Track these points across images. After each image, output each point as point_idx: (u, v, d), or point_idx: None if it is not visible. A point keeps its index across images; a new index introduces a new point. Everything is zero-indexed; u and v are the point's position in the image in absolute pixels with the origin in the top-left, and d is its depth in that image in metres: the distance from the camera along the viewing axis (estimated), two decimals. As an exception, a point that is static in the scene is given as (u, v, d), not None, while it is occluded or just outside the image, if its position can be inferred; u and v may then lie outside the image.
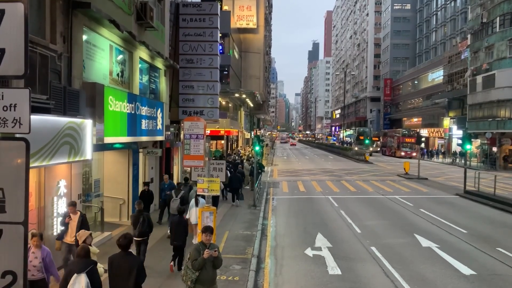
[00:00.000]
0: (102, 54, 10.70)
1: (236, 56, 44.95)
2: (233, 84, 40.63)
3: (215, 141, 38.57)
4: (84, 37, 9.75)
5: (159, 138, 14.48)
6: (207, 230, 5.73)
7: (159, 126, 14.38)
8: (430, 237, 11.66)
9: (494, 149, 38.45)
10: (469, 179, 20.53)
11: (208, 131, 35.49)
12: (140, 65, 14.18)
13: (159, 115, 14.41)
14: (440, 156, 50.73)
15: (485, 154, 39.20)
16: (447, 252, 10.19)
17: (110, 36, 10.90)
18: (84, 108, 8.79)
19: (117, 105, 10.56)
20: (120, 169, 12.63)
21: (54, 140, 7.38)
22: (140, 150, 13.53)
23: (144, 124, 12.73)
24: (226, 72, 39.88)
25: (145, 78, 14.49)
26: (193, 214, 9.97)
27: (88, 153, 8.69)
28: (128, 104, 11.36)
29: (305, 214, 15.22)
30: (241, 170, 19.21)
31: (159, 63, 15.38)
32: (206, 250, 5.50)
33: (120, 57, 12.08)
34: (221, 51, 38.90)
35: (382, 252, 10.26)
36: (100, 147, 10.01)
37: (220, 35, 39.26)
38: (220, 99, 37.07)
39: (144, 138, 12.84)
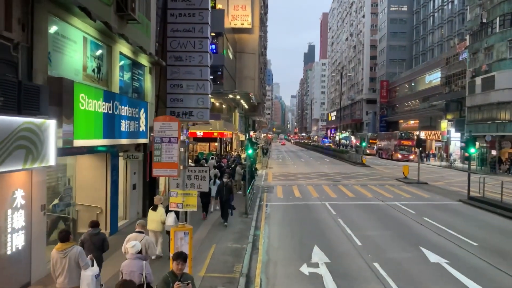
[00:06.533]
0: (73, 47, 9.54)
1: (231, 56, 43.91)
2: (227, 85, 39.61)
3: (208, 143, 37.52)
4: (53, 27, 8.61)
5: (142, 140, 13.33)
6: (179, 257, 4.60)
7: (142, 128, 13.24)
8: (438, 250, 10.60)
9: (494, 152, 37.60)
10: (471, 184, 19.55)
11: (201, 133, 34.27)
12: (122, 62, 13.06)
13: (142, 116, 13.27)
14: (432, 158, 49.96)
15: (484, 158, 38.32)
16: (459, 269, 9.12)
17: (84, 27, 9.75)
18: (47, 106, 7.62)
19: (90, 104, 9.42)
20: (97, 175, 11.46)
21: (4, 143, 6.23)
22: (121, 153, 12.37)
23: (124, 125, 11.59)
24: (220, 73, 38.87)
25: (127, 76, 13.34)
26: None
27: (51, 158, 7.52)
28: (104, 103, 10.22)
29: (301, 223, 14.12)
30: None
31: (143, 60, 14.24)
32: (177, 283, 4.38)
33: (97, 51, 10.92)
34: (214, 50, 37.97)
35: (387, 269, 9.17)
36: (69, 151, 8.85)
37: (214, 34, 38.43)
38: (213, 100, 36.11)
39: (124, 141, 11.68)
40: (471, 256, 10.29)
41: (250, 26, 48.87)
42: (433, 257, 10.00)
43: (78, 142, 8.86)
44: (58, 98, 8.18)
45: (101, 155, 11.36)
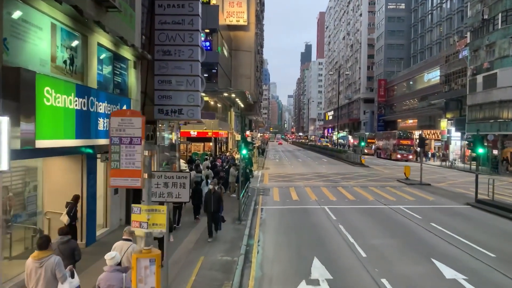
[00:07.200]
0: (39, 34, 8.33)
1: (226, 54, 42.75)
2: (222, 83, 38.43)
3: (203, 143, 36.39)
4: (11, 10, 7.43)
5: (125, 141, 12.11)
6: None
7: (125, 127, 12.02)
8: (452, 263, 9.48)
9: (495, 152, 36.61)
10: (473, 184, 18.52)
11: (194, 133, 33.07)
12: (103, 55, 11.90)
13: (125, 114, 12.05)
14: (431, 158, 48.98)
15: (487, 158, 37.30)
16: (479, 287, 8.00)
17: (51, 12, 8.55)
18: (-1, 100, 6.45)
19: (58, 99, 8.24)
20: (71, 179, 10.27)
21: None
22: (99, 155, 11.17)
23: (102, 124, 10.39)
24: (214, 71, 37.69)
25: (107, 70, 12.14)
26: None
27: (2, 161, 6.32)
28: (77, 98, 9.04)
29: (299, 230, 12.97)
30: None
31: (126, 53, 13.06)
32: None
33: (69, 40, 9.72)
34: (208, 47, 36.79)
35: (397, 287, 8.03)
36: (31, 153, 7.67)
37: (208, 30, 37.21)
38: (208, 98, 34.87)
39: (102, 141, 10.47)
40: (490, 270, 9.16)
41: (246, 23, 47.73)
42: (448, 272, 8.87)
43: (42, 143, 7.68)
44: (15, 91, 7.00)
45: (75, 157, 10.18)
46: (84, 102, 9.43)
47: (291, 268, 9.23)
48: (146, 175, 4.27)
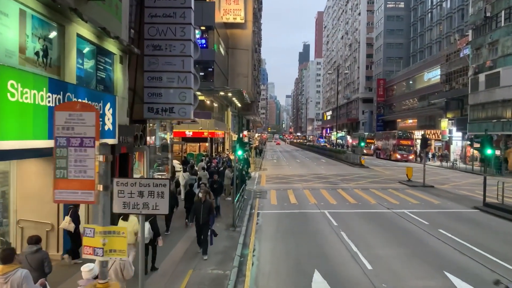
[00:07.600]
0: (4, 21, 7.35)
1: (222, 52, 41.80)
2: (218, 82, 37.51)
3: (198, 144, 35.48)
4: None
5: (109, 141, 11.15)
6: None
7: (109, 126, 11.09)
8: (468, 277, 8.56)
9: (497, 152, 35.75)
10: (478, 186, 17.60)
11: (190, 133, 32.10)
12: (86, 47, 10.93)
13: (109, 112, 11.11)
14: (431, 159, 48.13)
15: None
16: (502, 307, 7.10)
17: (20, -4, 7.59)
18: None
19: (26, 95, 7.30)
20: (46, 183, 9.24)
21: None
22: (79, 157, 10.19)
23: (81, 122, 9.41)
24: (211, 69, 36.80)
25: (89, 64, 11.16)
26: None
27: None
28: (50, 94, 8.09)
29: (298, 237, 12.03)
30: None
31: (111, 46, 12.06)
32: None
33: (42, 29, 8.75)
34: (204, 45, 35.87)
35: (409, 307, 7.12)
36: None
37: (204, 28, 36.27)
38: (204, 97, 33.93)
39: (81, 142, 9.51)
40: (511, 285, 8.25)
41: (243, 21, 46.80)
42: (464, 288, 7.95)
43: (5, 144, 6.74)
44: (-30, 84, 6.05)
45: (51, 159, 9.17)
46: (59, 98, 8.47)
47: (289, 283, 8.29)
48: (101, 187, 3.35)
